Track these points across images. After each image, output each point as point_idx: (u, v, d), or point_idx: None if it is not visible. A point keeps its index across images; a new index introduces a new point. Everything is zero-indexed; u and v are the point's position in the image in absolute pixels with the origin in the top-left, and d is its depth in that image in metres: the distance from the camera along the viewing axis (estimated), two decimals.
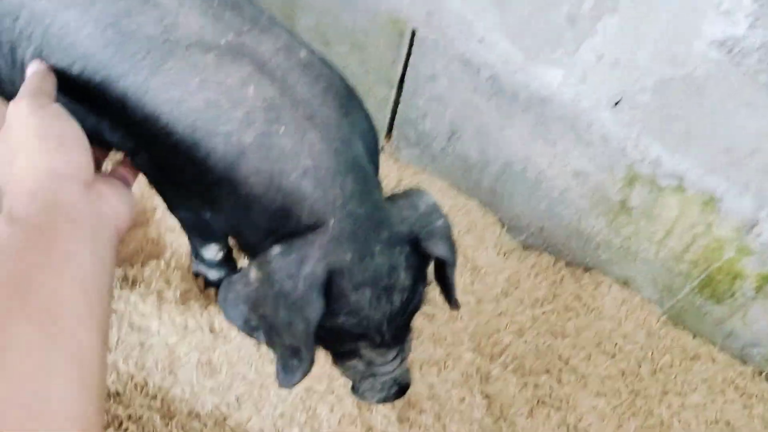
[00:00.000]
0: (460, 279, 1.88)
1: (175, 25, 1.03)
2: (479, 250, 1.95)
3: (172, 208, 1.41)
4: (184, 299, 1.68)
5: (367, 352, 1.16)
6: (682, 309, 1.79)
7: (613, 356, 1.80)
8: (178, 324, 1.62)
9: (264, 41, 1.06)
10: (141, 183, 1.80)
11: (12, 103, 0.86)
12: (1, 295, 0.60)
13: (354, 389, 1.30)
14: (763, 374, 1.79)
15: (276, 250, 1.01)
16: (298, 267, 0.98)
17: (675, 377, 1.77)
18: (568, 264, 1.93)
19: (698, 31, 1.24)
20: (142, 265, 1.74)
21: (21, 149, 0.78)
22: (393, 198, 1.12)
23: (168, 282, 1.71)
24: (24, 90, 0.91)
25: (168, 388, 1.57)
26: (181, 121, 1.03)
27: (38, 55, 1.07)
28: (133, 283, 1.70)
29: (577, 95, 1.48)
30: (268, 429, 1.58)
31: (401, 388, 1.26)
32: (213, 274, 1.71)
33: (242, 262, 1.77)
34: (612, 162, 1.55)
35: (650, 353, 1.81)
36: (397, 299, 1.06)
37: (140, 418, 1.52)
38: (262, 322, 1.05)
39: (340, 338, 1.12)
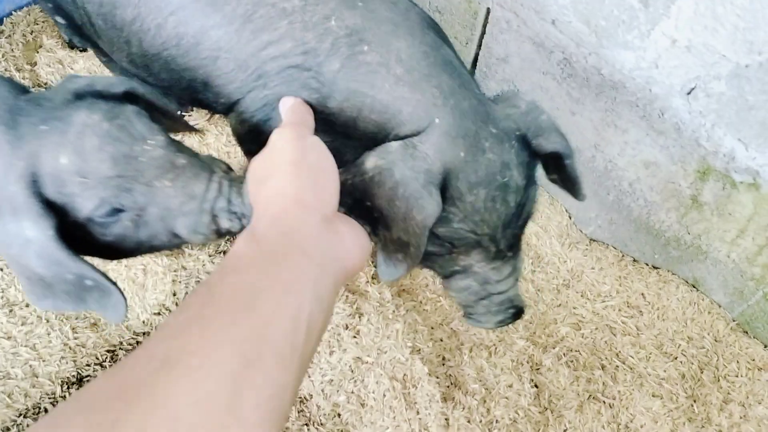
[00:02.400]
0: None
1: None
2: (543, 239, 1.92)
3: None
4: None
5: (481, 267, 1.14)
6: (752, 315, 1.69)
7: (675, 359, 1.73)
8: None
9: None
10: (218, 150, 1.89)
11: (277, 129, 0.90)
12: (222, 312, 0.60)
13: (468, 315, 1.28)
14: None
15: (395, 143, 1.01)
16: (418, 161, 0.98)
17: (740, 387, 1.68)
18: (635, 260, 1.86)
19: None
20: None
21: (275, 173, 0.81)
22: (493, 99, 1.11)
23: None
24: (288, 119, 0.99)
25: None
26: (273, 65, 1.09)
27: (137, 14, 1.16)
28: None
29: (650, 81, 1.43)
30: (316, 394, 1.62)
31: (518, 310, 1.23)
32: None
33: None
34: (684, 153, 1.48)
35: (715, 359, 1.73)
36: (512, 200, 1.04)
37: None
38: (370, 213, 1.03)
39: (454, 250, 1.12)
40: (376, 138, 1.07)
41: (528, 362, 1.71)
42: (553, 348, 1.73)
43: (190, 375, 0.54)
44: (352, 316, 1.71)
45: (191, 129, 1.23)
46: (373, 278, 1.79)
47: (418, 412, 1.61)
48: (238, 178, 1.05)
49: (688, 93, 1.38)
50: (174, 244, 1.06)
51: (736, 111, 1.33)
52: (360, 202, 1.02)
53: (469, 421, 1.59)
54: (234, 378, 0.55)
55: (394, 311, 1.73)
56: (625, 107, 1.52)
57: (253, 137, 1.26)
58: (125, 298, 1.04)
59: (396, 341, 1.69)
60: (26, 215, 0.90)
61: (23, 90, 1.01)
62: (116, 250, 1.03)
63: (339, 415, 1.63)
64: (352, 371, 1.66)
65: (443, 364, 1.70)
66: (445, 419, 1.60)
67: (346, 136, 1.10)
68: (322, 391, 1.64)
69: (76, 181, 0.92)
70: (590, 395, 1.68)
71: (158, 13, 1.13)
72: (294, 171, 0.80)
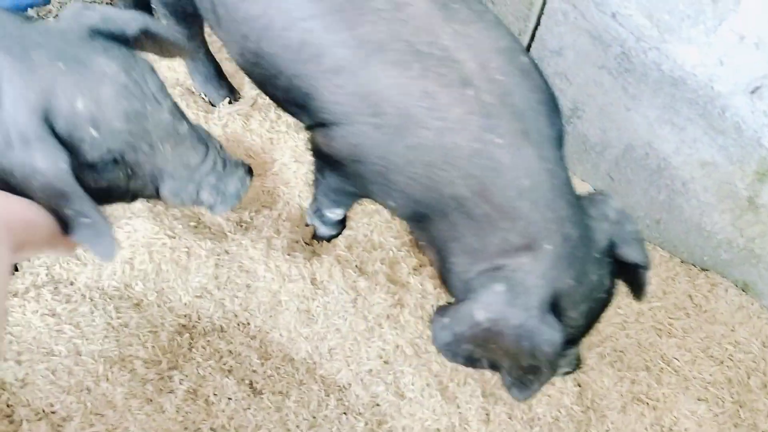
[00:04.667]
0: None
1: (405, 5, 1.05)
2: None
3: (326, 175, 1.43)
4: (290, 249, 1.75)
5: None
6: None
7: (721, 363, 1.70)
8: (283, 272, 1.68)
9: (488, 38, 1.06)
10: (261, 136, 1.89)
11: None
12: None
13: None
14: None
15: (498, 287, 1.04)
16: (528, 298, 1.02)
17: None
18: (683, 261, 1.83)
19: None
20: (256, 213, 1.83)
21: None
22: (583, 206, 1.13)
23: (278, 231, 1.78)
24: None
25: (267, 330, 1.65)
26: (392, 103, 1.06)
27: (265, 10, 1.14)
28: (246, 228, 1.79)
29: (713, 78, 1.40)
30: (355, 383, 1.61)
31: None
32: (324, 231, 1.76)
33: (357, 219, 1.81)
34: (744, 154, 1.45)
35: (763, 365, 1.69)
36: (601, 303, 1.12)
37: (239, 354, 1.61)
38: (490, 353, 1.11)
39: None
40: (478, 224, 1.08)
41: None
42: (598, 347, 1.71)
43: None
44: (394, 306, 1.69)
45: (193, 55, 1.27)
46: (414, 269, 1.77)
47: (458, 406, 1.60)
48: (234, 161, 1.09)
49: (753, 92, 1.34)
50: (152, 198, 1.11)
51: None
52: (482, 346, 1.09)
53: (510, 418, 1.58)
54: None
55: (435, 304, 1.71)
56: (683, 104, 1.49)
57: (330, 163, 1.27)
58: (118, 242, 1.05)
59: None
60: (39, 146, 0.89)
61: (29, 19, 1.01)
62: (99, 196, 1.04)
63: (377, 405, 1.62)
64: (391, 364, 1.64)
65: None
66: (486, 414, 1.58)
67: (446, 205, 1.10)
68: (361, 380, 1.63)
69: (87, 128, 0.93)
70: (634, 396, 1.65)
71: (288, 16, 1.11)
72: None
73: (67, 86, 0.91)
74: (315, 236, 1.81)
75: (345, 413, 1.60)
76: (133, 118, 0.96)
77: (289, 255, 1.72)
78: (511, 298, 1.02)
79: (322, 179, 1.47)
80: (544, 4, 1.63)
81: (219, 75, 1.94)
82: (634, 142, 1.66)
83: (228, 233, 1.75)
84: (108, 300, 1.63)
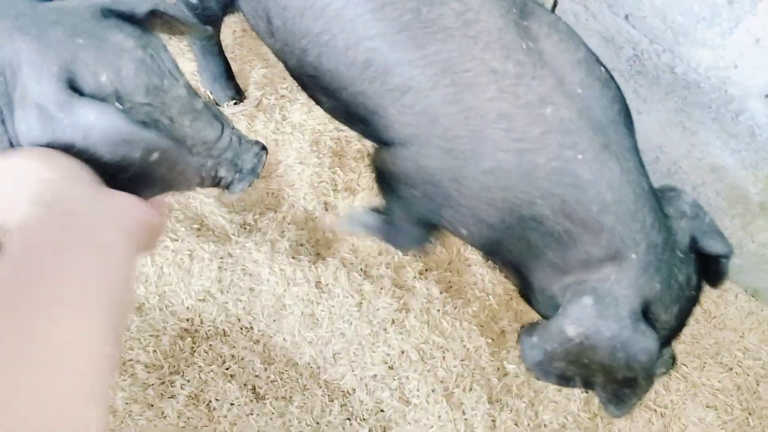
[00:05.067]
0: None
1: (475, 21, 1.00)
2: None
3: (391, 199, 1.35)
4: (295, 252, 1.73)
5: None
6: None
7: (730, 369, 1.68)
8: (288, 275, 1.66)
9: (564, 51, 1.03)
10: (266, 137, 1.86)
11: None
12: None
13: None
14: None
15: (586, 300, 1.02)
16: (618, 308, 1.00)
17: None
18: None
19: None
20: (261, 215, 1.80)
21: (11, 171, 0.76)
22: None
23: (282, 234, 1.76)
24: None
25: (271, 334, 1.62)
26: (466, 126, 1.01)
27: (327, 27, 1.08)
28: (250, 230, 1.77)
29: (727, 81, 1.37)
30: (360, 389, 1.59)
31: None
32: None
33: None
34: (757, 158, 1.43)
35: None
36: (691, 300, 1.10)
37: (242, 359, 1.59)
38: (583, 369, 1.08)
39: None
40: (559, 241, 1.06)
41: None
42: None
43: (68, 320, 0.58)
44: (399, 311, 1.67)
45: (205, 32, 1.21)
46: (420, 273, 1.75)
47: (464, 413, 1.58)
48: (248, 139, 1.09)
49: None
50: (168, 183, 1.05)
51: None
52: (575, 362, 1.06)
53: (516, 425, 1.56)
54: (30, 338, 0.55)
55: (441, 309, 1.69)
56: (696, 108, 1.47)
57: (397, 186, 1.21)
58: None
59: (443, 339, 1.65)
60: (79, 103, 0.85)
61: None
62: (115, 176, 1.02)
63: (382, 410, 1.60)
64: (396, 369, 1.62)
65: (491, 365, 1.66)
66: (492, 421, 1.56)
67: (525, 226, 1.07)
68: (366, 386, 1.61)
69: (112, 102, 0.91)
70: (641, 403, 1.63)
71: (352, 34, 1.06)
72: (32, 162, 0.76)
73: (89, 60, 0.89)
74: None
75: (349, 419, 1.58)
76: (153, 92, 0.95)
77: (293, 258, 1.70)
78: (601, 310, 1.00)
79: (389, 208, 1.40)
80: (555, 5, 1.61)
81: (228, 75, 1.92)
82: (645, 145, 1.63)
83: (231, 236, 1.72)
84: None
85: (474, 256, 1.81)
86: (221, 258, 1.67)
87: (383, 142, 1.17)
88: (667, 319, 1.05)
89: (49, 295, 0.59)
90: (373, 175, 1.31)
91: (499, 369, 1.65)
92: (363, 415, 1.59)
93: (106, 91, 0.90)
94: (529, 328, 1.13)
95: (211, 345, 1.61)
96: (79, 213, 0.69)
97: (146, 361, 1.55)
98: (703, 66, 1.39)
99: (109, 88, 0.90)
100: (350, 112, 1.18)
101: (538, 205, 1.02)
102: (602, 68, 1.06)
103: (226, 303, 1.64)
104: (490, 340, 1.68)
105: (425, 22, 1.01)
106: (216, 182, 1.06)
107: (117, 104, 0.91)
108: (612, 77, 1.07)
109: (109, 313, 0.63)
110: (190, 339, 1.61)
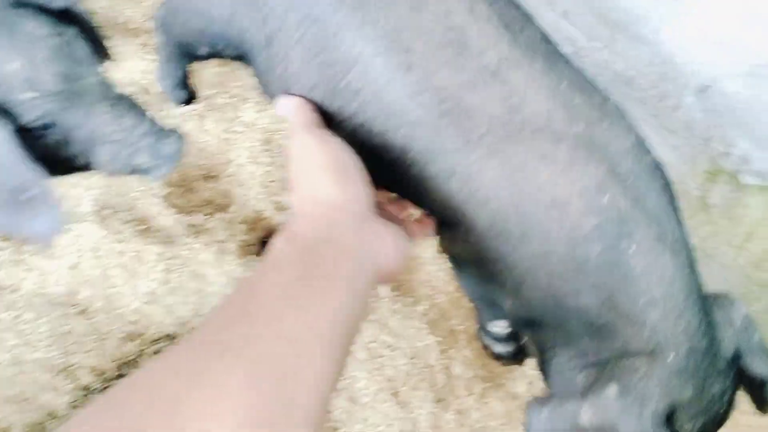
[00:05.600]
0: None
1: (521, 106, 0.93)
2: None
3: (461, 279, 1.33)
4: (244, 253, 1.71)
5: None
6: (758, 321, 1.64)
7: None
8: (236, 276, 1.64)
9: (615, 137, 0.96)
10: (217, 136, 1.85)
11: (296, 134, 0.91)
12: (266, 309, 0.63)
13: None
14: None
15: (612, 390, 0.94)
16: (642, 407, 0.92)
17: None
18: None
19: None
20: (209, 216, 1.79)
21: (304, 179, 0.84)
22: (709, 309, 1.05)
23: (232, 235, 1.74)
24: (299, 121, 0.95)
25: None
26: (515, 213, 0.95)
27: (360, 109, 1.00)
28: (198, 232, 1.75)
29: (663, 77, 1.38)
30: None
31: None
32: (499, 348, 1.65)
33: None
34: (695, 153, 1.44)
35: None
36: (720, 416, 1.02)
37: None
38: None
39: None
40: (598, 332, 0.99)
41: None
42: None
43: (246, 363, 0.58)
44: None
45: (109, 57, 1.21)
46: None
47: (411, 412, 1.58)
48: (167, 127, 1.09)
49: (702, 91, 1.33)
50: (88, 167, 1.09)
51: (751, 111, 1.28)
52: None
53: (461, 425, 1.56)
54: (285, 368, 0.58)
55: (390, 307, 1.69)
56: (635, 104, 1.47)
57: (461, 267, 1.20)
58: (64, 218, 1.05)
59: (392, 338, 1.65)
60: None
61: None
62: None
63: (329, 411, 1.59)
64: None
65: (440, 364, 1.66)
66: (436, 420, 1.56)
67: (566, 314, 1.00)
68: None
69: (24, 90, 0.93)
70: None
71: (385, 121, 0.98)
72: (324, 175, 0.82)
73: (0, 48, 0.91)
74: (495, 356, 1.69)
75: None
76: (68, 80, 0.96)
77: (242, 259, 1.68)
78: (624, 406, 0.92)
79: (464, 287, 1.38)
80: None
81: (186, 78, 1.89)
82: None
83: (179, 237, 1.71)
84: (53, 307, 1.58)
85: (425, 254, 1.81)
86: (168, 259, 1.65)
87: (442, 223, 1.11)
88: (689, 429, 0.97)
89: (312, 329, 0.63)
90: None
91: (447, 368, 1.65)
92: None
93: (17, 78, 0.92)
94: (541, 399, 1.04)
95: (158, 348, 1.59)
96: (348, 253, 0.74)
97: (91, 365, 1.53)
98: (640, 63, 1.40)
99: (20, 75, 0.92)
100: (400, 190, 1.09)
101: (584, 295, 0.96)
102: (651, 155, 1.00)
103: (174, 305, 1.62)
104: (439, 339, 1.68)
105: (467, 109, 0.93)
106: (134, 169, 1.07)
107: (29, 92, 0.93)
108: (660, 165, 1.01)
109: (343, 360, 0.67)
110: (137, 342, 1.59)
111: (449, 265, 1.26)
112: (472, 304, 1.76)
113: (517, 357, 1.68)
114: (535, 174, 0.92)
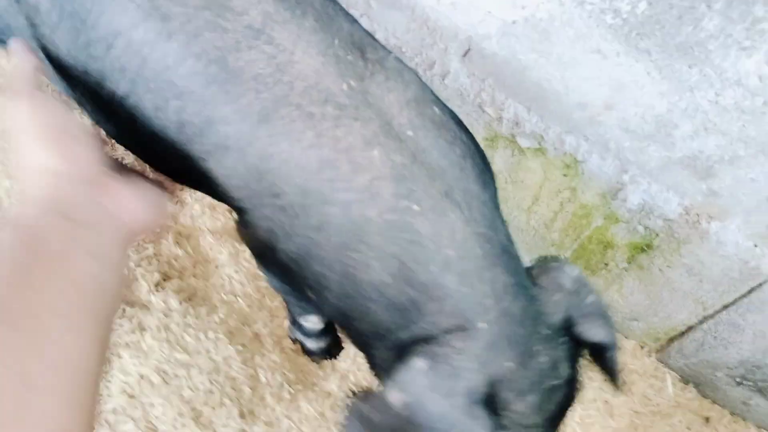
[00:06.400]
0: None
1: (290, 65, 0.85)
2: None
3: (265, 271, 1.19)
4: None
5: None
6: None
7: None
8: None
9: (392, 90, 0.88)
10: None
11: (10, 98, 0.81)
12: None
13: None
14: (644, 349, 1.67)
15: (419, 364, 0.83)
16: (454, 382, 0.81)
17: None
18: None
19: None
20: None
21: (22, 151, 0.77)
22: (534, 275, 0.94)
23: None
24: (18, 82, 0.84)
25: None
26: (288, 181, 0.86)
27: (131, 89, 0.92)
28: None
29: (424, 43, 1.30)
30: (100, 426, 1.41)
31: None
32: (312, 344, 1.52)
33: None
34: (471, 120, 1.37)
35: None
36: (559, 396, 0.91)
37: None
38: None
39: None
40: (402, 313, 0.88)
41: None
42: None
43: (63, 334, 0.59)
44: (133, 331, 1.49)
45: None
46: (156, 285, 1.57)
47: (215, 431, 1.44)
48: None
49: (464, 55, 1.26)
50: None
51: (511, 72, 1.23)
52: None
53: None
54: (16, 352, 0.56)
55: (181, 321, 1.53)
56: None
57: (260, 260, 1.10)
58: None
59: (186, 355, 1.49)
60: None
61: None
62: None
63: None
64: (138, 395, 1.45)
65: (243, 373, 1.53)
66: None
67: (364, 296, 0.90)
68: (106, 421, 1.42)
69: None
70: None
71: (158, 95, 0.90)
72: (38, 143, 0.76)
73: None
74: (306, 351, 1.56)
75: None
76: None
77: None
78: (434, 381, 0.82)
79: (270, 282, 1.24)
80: None
81: None
82: None
83: None
84: None
85: (221, 255, 1.66)
86: None
87: (237, 212, 1.01)
88: (522, 410, 0.88)
89: (47, 307, 0.60)
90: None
91: (251, 377, 1.52)
92: None
93: None
94: (362, 394, 0.93)
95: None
96: (81, 220, 0.70)
97: None
98: (399, 29, 1.30)
99: None
100: (194, 181, 1.01)
101: (374, 268, 0.86)
102: (438, 108, 0.92)
103: None
104: (240, 347, 1.55)
105: (233, 72, 0.85)
106: None
107: None
108: (454, 117, 0.93)
109: (102, 327, 0.65)
110: None
111: (253, 262, 1.15)
112: (277, 302, 1.64)
113: (330, 352, 1.59)
114: (301, 137, 0.85)
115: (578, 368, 0.96)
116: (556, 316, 0.91)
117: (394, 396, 0.83)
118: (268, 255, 1.00)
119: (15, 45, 0.88)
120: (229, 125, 0.87)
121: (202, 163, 0.92)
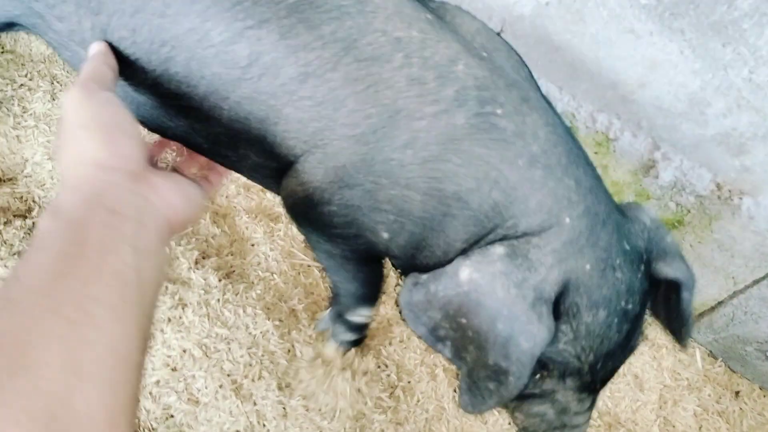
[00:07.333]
0: None
1: (369, 2, 0.89)
2: None
3: (329, 263, 1.16)
4: None
5: (565, 396, 0.97)
6: None
7: None
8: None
9: (460, 24, 0.97)
10: (6, 134, 1.63)
11: (66, 91, 0.83)
12: (34, 291, 0.60)
13: None
14: None
15: (500, 250, 0.83)
16: (528, 274, 0.81)
17: None
18: None
19: None
20: (6, 225, 1.59)
21: (69, 141, 0.78)
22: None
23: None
24: (79, 76, 0.87)
25: None
26: (375, 102, 0.87)
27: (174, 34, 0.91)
28: None
29: None
30: (143, 398, 1.48)
31: None
32: (348, 336, 1.46)
33: None
34: None
35: None
36: (625, 329, 0.89)
37: None
38: (458, 333, 0.87)
39: (544, 373, 0.93)
40: (486, 221, 0.88)
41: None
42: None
43: (108, 324, 0.60)
44: (175, 307, 1.54)
45: None
46: (196, 263, 1.62)
47: (255, 404, 1.49)
48: None
49: (497, 34, 1.27)
50: None
51: (544, 52, 1.24)
52: (452, 318, 0.85)
53: (307, 410, 1.49)
54: (64, 340, 0.56)
55: (221, 297, 1.58)
56: None
57: (315, 220, 1.03)
58: None
59: (226, 330, 1.54)
60: None
61: None
62: None
63: (172, 416, 1.49)
64: (181, 368, 1.51)
65: (281, 348, 1.58)
66: (283, 408, 1.49)
67: (445, 208, 0.90)
68: (150, 393, 1.48)
69: None
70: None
71: (230, 27, 0.90)
72: (87, 135, 0.78)
73: None
74: (339, 344, 1.49)
75: (136, 431, 1.46)
76: None
77: None
78: (508, 267, 0.82)
79: (326, 263, 1.17)
80: None
81: None
82: None
83: None
84: None
85: (256, 234, 1.71)
86: None
87: (280, 169, 1.00)
88: (587, 322, 0.87)
89: (92, 297, 0.60)
90: (293, 221, 1.11)
91: (289, 351, 1.57)
92: (151, 424, 1.47)
93: None
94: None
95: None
96: (124, 213, 0.70)
97: None
98: None
99: None
100: (234, 135, 0.98)
101: (462, 175, 0.87)
102: (500, 37, 0.99)
103: None
104: (278, 322, 1.60)
105: (315, 3, 0.88)
106: None
107: None
108: (512, 47, 0.99)
109: (144, 319, 0.65)
110: None
111: (305, 223, 1.09)
112: (312, 279, 1.68)
113: (357, 343, 1.60)
114: (390, 59, 0.87)
115: (645, 313, 0.93)
116: (638, 242, 0.91)
117: (465, 272, 0.83)
118: (332, 205, 0.97)
119: (94, 44, 0.92)
120: (311, 53, 0.88)
121: (268, 102, 0.92)
